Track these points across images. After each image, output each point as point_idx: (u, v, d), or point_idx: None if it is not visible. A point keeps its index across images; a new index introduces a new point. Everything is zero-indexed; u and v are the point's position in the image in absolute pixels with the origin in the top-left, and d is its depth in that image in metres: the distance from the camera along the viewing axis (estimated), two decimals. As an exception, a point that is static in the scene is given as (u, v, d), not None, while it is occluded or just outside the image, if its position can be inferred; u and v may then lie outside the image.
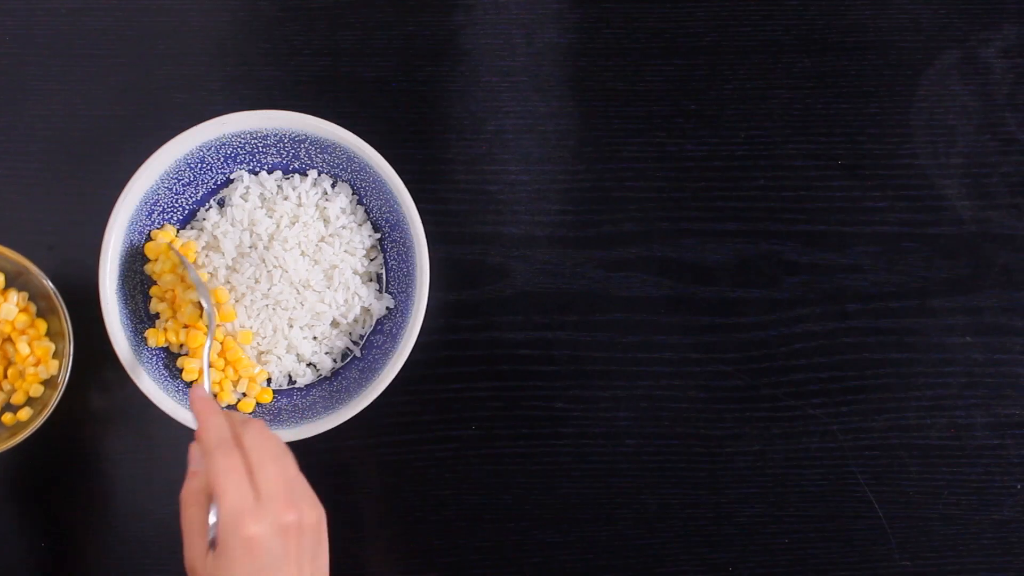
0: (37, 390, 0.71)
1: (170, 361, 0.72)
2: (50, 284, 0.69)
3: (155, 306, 0.72)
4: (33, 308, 0.72)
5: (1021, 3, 0.77)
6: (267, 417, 0.71)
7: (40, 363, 0.71)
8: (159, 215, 0.72)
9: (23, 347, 0.70)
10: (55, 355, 0.71)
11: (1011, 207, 0.77)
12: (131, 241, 0.71)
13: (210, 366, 0.71)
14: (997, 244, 0.76)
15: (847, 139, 0.77)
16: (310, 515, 0.59)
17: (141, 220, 0.71)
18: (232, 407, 0.72)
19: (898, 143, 0.77)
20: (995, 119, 0.77)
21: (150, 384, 0.69)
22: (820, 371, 0.75)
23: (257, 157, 0.73)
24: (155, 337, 0.71)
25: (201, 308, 0.70)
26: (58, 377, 0.69)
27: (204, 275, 0.72)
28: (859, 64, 0.77)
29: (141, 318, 0.72)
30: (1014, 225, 0.76)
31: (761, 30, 0.77)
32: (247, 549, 0.57)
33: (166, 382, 0.70)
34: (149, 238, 0.72)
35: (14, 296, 0.71)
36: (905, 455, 0.75)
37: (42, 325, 0.71)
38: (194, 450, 0.62)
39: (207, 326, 0.70)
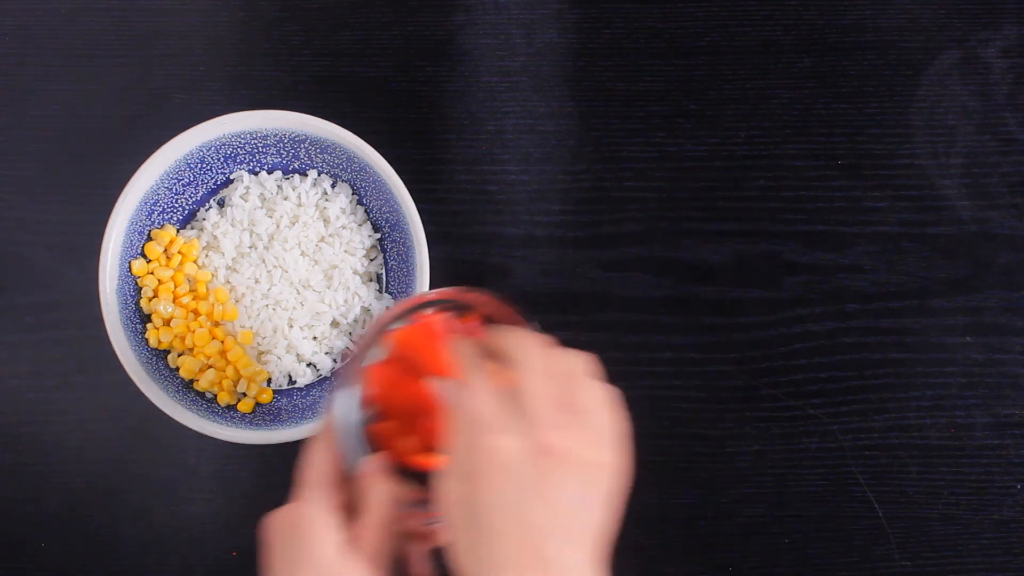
0: None
1: (170, 361, 0.72)
2: None
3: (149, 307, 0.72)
4: None
5: (1021, 3, 0.77)
6: (267, 417, 0.71)
7: None
8: (159, 215, 0.72)
9: None
10: None
11: (1011, 207, 0.76)
12: (131, 241, 0.71)
13: (221, 365, 0.71)
14: (997, 244, 0.76)
15: (847, 139, 0.77)
16: (587, 451, 0.48)
17: (141, 220, 0.71)
18: (232, 407, 0.72)
19: (898, 143, 0.77)
20: (995, 119, 0.77)
21: (150, 384, 0.69)
22: (820, 371, 0.75)
23: (257, 157, 0.73)
24: (155, 337, 0.71)
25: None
26: None
27: (207, 274, 0.72)
28: (859, 64, 0.77)
29: (141, 318, 0.72)
30: (1014, 225, 0.76)
31: (761, 30, 0.77)
32: (490, 470, 0.47)
33: (166, 382, 0.70)
34: (149, 238, 0.72)
35: None
36: (905, 455, 0.75)
37: None
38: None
39: None
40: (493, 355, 0.52)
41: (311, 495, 0.52)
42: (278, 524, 0.53)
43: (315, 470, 0.53)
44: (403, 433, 0.56)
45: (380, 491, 0.52)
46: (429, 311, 0.56)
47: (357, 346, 0.55)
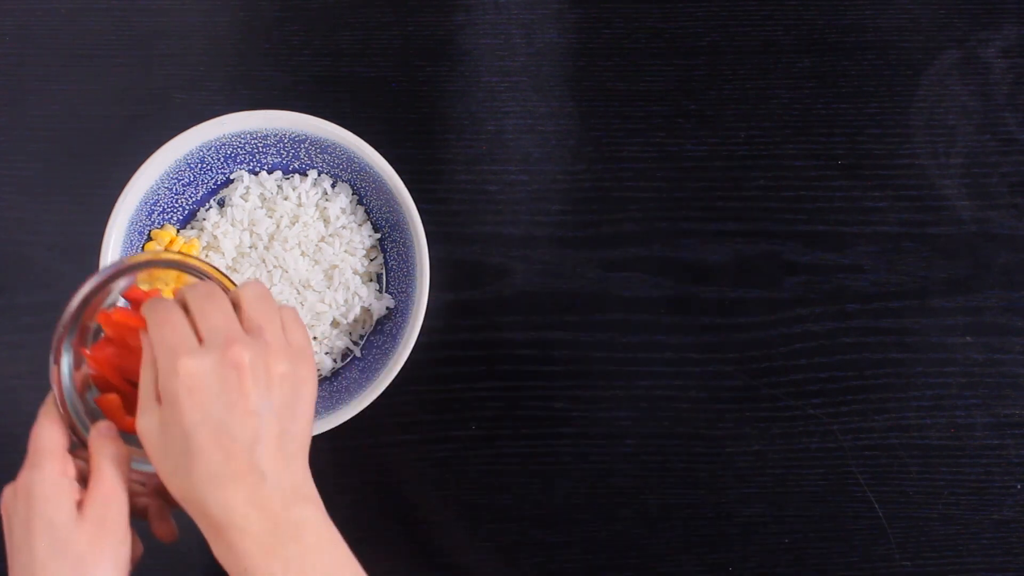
0: None
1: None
2: None
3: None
4: None
5: (1021, 3, 0.77)
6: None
7: None
8: (159, 215, 0.72)
9: None
10: None
11: (1011, 207, 0.77)
12: (131, 241, 0.71)
13: None
14: (997, 244, 0.76)
15: (847, 139, 0.77)
16: (280, 365, 0.52)
17: (141, 220, 0.71)
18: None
19: (898, 143, 0.77)
20: (995, 119, 0.77)
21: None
22: (820, 371, 0.75)
23: (257, 157, 0.73)
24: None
25: None
26: None
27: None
28: (859, 64, 0.77)
29: (141, 318, 0.72)
30: (1014, 225, 0.76)
31: (761, 30, 0.77)
32: (188, 390, 0.50)
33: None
34: (149, 238, 0.72)
35: None
36: (905, 455, 0.75)
37: None
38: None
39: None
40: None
41: (42, 463, 0.54)
42: (12, 493, 0.54)
43: (44, 439, 0.55)
44: (127, 402, 0.59)
45: (109, 452, 0.54)
46: (132, 278, 0.58)
47: (59, 322, 0.57)
